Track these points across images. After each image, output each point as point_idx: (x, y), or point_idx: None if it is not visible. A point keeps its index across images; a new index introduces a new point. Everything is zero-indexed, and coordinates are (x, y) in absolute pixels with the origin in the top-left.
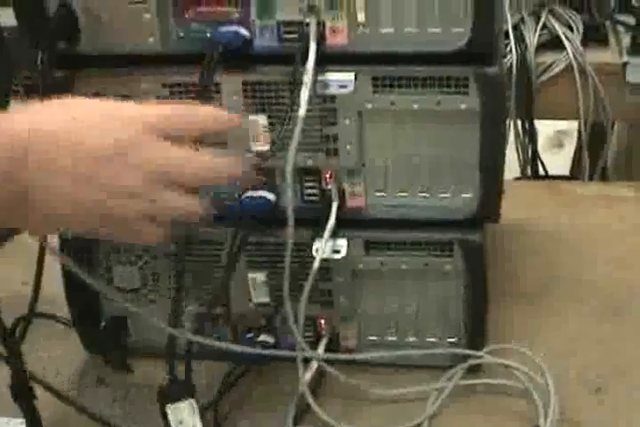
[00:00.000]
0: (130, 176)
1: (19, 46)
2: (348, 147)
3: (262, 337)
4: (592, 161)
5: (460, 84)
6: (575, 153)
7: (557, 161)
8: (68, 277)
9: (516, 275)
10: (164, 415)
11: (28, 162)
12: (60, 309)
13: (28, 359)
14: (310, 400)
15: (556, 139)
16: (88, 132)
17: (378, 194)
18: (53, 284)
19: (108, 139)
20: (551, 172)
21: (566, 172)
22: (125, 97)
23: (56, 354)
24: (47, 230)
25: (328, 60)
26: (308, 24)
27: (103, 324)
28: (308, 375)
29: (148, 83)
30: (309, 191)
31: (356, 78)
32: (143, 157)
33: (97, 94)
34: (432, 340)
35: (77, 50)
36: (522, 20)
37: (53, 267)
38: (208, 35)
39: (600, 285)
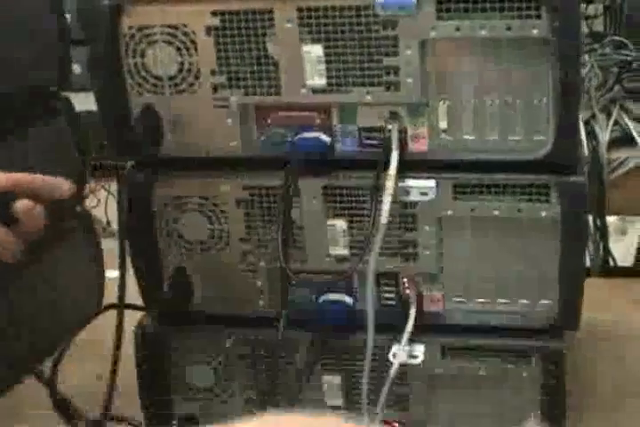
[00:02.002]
0: None
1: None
2: (427, 252)
3: None
4: None
5: (541, 193)
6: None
7: (621, 248)
8: (142, 378)
9: (590, 384)
10: None
11: None
12: (133, 402)
13: None
14: None
15: (620, 226)
16: None
17: (456, 299)
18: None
19: None
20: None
21: (630, 258)
22: (205, 199)
23: None
24: None
25: (409, 166)
26: (389, 130)
27: (174, 423)
28: None
29: (228, 185)
30: (387, 295)
31: (437, 185)
32: None
33: (177, 197)
34: None
35: (159, 152)
36: (593, 116)
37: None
38: (289, 139)
39: None
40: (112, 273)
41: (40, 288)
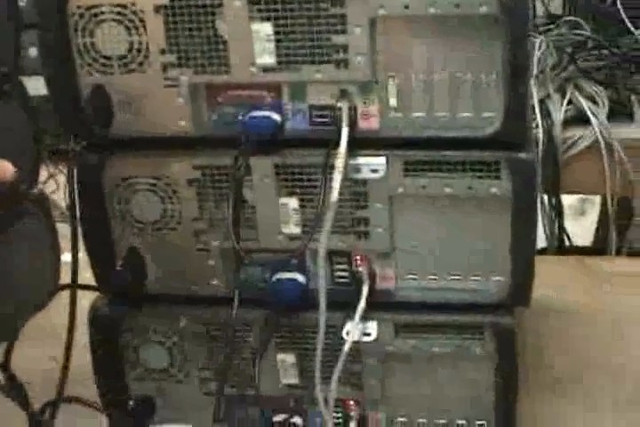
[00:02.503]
0: None
1: (45, 114)
2: (379, 230)
3: (291, 419)
4: (618, 235)
5: (492, 169)
6: (599, 224)
7: (580, 229)
8: (97, 360)
9: (545, 360)
10: None
11: None
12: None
13: None
14: None
15: (579, 207)
16: None
17: (408, 277)
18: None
19: None
20: (574, 239)
21: (589, 239)
22: (156, 179)
23: None
24: None
25: (360, 144)
26: (340, 108)
27: (131, 405)
28: None
29: (180, 165)
30: (340, 274)
31: (387, 162)
32: None
33: (128, 177)
34: (462, 422)
35: (110, 133)
36: (548, 95)
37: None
38: (240, 118)
39: (633, 369)
40: (68, 257)
41: None
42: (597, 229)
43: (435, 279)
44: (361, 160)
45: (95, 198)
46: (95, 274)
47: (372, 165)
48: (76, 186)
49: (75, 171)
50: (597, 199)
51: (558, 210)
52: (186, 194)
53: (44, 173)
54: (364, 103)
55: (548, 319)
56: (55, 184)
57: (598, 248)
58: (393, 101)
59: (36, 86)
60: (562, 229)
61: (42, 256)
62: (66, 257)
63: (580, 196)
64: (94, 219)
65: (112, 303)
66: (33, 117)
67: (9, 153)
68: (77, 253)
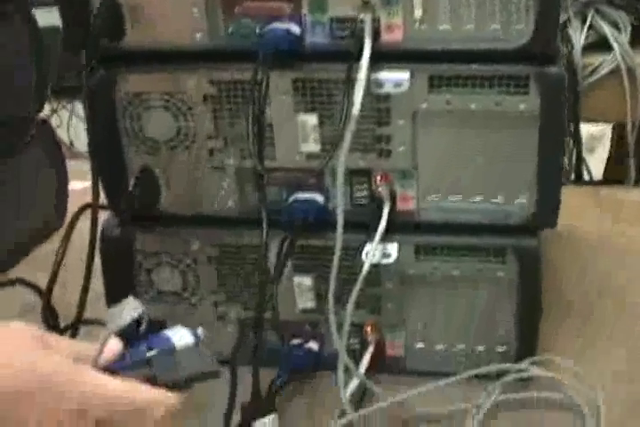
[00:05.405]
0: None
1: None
2: (401, 148)
3: (307, 345)
4: (637, 164)
5: (520, 84)
6: (609, 157)
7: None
8: (109, 281)
9: (562, 286)
10: None
11: None
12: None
13: None
14: (352, 416)
15: (588, 144)
16: None
17: (430, 197)
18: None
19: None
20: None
21: (599, 176)
22: (170, 95)
23: None
24: None
25: (382, 57)
26: (362, 20)
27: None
28: (350, 391)
29: (195, 80)
30: (359, 194)
31: (411, 77)
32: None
33: (140, 93)
34: (481, 348)
35: (121, 47)
36: (568, 19)
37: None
38: (258, 31)
39: None
40: (76, 185)
41: None
42: (607, 164)
43: (457, 200)
44: (383, 74)
45: (106, 116)
46: (107, 195)
47: (395, 79)
48: (85, 103)
49: (88, 92)
50: (608, 133)
51: (577, 138)
52: (201, 110)
53: (47, 108)
54: (388, 15)
55: (566, 247)
56: (59, 120)
57: (614, 180)
58: (418, 13)
59: (44, 17)
60: (580, 158)
61: (46, 187)
62: (73, 186)
63: (590, 133)
64: (106, 138)
65: (123, 225)
66: (37, 36)
67: (10, 73)
68: (97, 173)
